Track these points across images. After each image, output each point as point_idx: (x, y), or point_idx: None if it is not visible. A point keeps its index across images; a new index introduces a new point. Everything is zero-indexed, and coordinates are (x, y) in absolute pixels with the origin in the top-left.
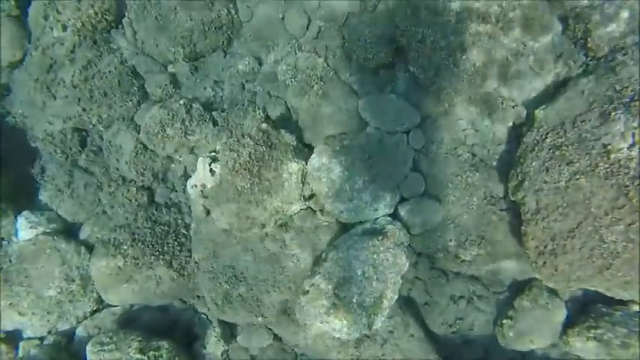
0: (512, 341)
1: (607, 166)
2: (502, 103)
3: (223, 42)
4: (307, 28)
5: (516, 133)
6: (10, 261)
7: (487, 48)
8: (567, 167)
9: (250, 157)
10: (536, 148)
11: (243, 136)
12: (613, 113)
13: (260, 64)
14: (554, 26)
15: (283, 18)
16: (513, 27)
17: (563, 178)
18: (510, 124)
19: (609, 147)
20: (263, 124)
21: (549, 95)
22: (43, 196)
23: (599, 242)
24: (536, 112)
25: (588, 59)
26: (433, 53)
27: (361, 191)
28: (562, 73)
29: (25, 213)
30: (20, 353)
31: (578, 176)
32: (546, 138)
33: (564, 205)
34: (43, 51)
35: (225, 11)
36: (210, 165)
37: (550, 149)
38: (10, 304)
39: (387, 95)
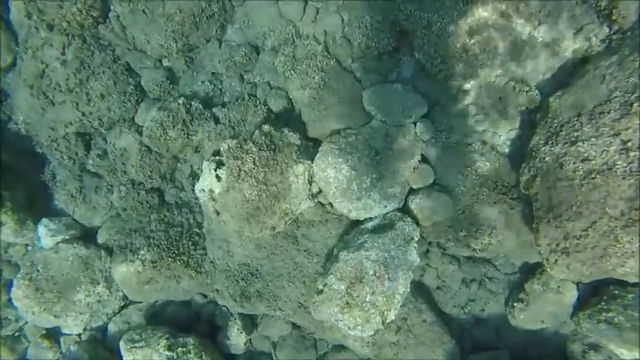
0: (524, 322)
1: (625, 164)
2: (515, 88)
3: (217, 30)
4: (304, 11)
5: (530, 119)
6: (38, 270)
7: (499, 27)
8: (583, 164)
9: (255, 164)
10: (550, 142)
11: (245, 141)
12: (636, 104)
13: (257, 52)
14: None
15: (278, 1)
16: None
17: (578, 175)
18: (523, 109)
19: (629, 144)
20: (265, 126)
21: (567, 74)
22: (58, 202)
23: (614, 242)
24: (551, 100)
25: (612, 32)
26: (439, 40)
27: (369, 189)
28: (581, 50)
29: (44, 221)
30: (62, 348)
31: (594, 175)
32: (561, 131)
33: (578, 203)
34: (33, 54)
35: None
36: (215, 170)
37: (565, 143)
38: (45, 309)
39: (391, 85)
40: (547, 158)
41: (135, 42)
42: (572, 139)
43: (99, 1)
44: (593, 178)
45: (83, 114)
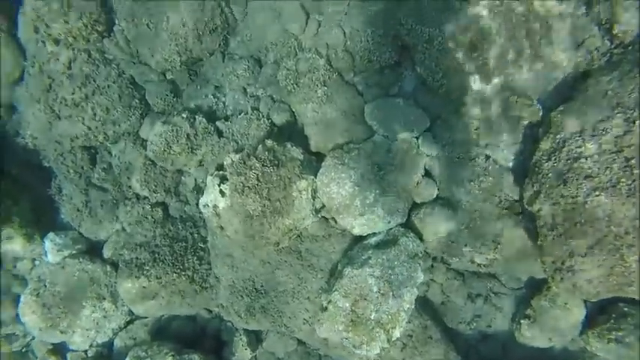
0: (531, 339)
1: (630, 182)
2: (516, 102)
3: (220, 44)
4: (306, 24)
5: (532, 133)
6: (45, 285)
7: (499, 43)
8: (586, 181)
9: (258, 180)
10: (553, 158)
11: (249, 157)
12: (638, 122)
13: (260, 65)
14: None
15: (280, 14)
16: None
17: (582, 193)
18: (526, 123)
19: (632, 161)
20: (268, 142)
21: (569, 88)
22: (64, 215)
23: (620, 261)
24: (553, 115)
25: (613, 46)
26: (441, 55)
27: (372, 205)
28: (583, 64)
29: (50, 235)
30: None
31: (598, 193)
32: (564, 146)
33: (582, 221)
34: (40, 68)
35: (219, 11)
36: (219, 185)
37: (568, 160)
38: (51, 325)
39: (393, 100)
40: (550, 174)
41: (139, 56)
42: (575, 155)
43: (104, 15)
44: (597, 196)
45: (89, 128)
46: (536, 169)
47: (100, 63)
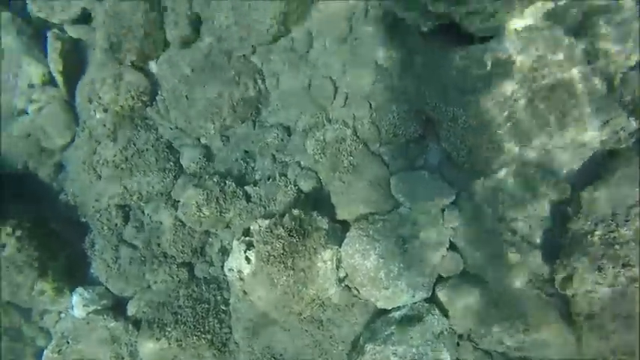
0: None
1: None
2: (543, 178)
3: (252, 113)
4: (334, 97)
5: (560, 210)
6: (68, 342)
7: (526, 119)
8: (624, 270)
9: (284, 249)
10: (585, 241)
11: (276, 225)
12: None
13: (289, 133)
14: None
15: (310, 85)
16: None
17: (621, 282)
18: (554, 198)
19: None
20: (295, 211)
21: (597, 165)
22: (94, 270)
23: None
24: (583, 194)
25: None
26: (465, 133)
27: (397, 278)
28: (610, 143)
29: (79, 290)
30: None
31: (638, 284)
32: (596, 229)
33: (624, 315)
34: (89, 133)
35: (252, 83)
36: (245, 252)
37: (602, 244)
38: None
39: (418, 172)
40: (583, 258)
41: (177, 122)
42: (610, 240)
43: (149, 87)
44: (637, 287)
45: (125, 188)
46: (568, 250)
47: (141, 128)
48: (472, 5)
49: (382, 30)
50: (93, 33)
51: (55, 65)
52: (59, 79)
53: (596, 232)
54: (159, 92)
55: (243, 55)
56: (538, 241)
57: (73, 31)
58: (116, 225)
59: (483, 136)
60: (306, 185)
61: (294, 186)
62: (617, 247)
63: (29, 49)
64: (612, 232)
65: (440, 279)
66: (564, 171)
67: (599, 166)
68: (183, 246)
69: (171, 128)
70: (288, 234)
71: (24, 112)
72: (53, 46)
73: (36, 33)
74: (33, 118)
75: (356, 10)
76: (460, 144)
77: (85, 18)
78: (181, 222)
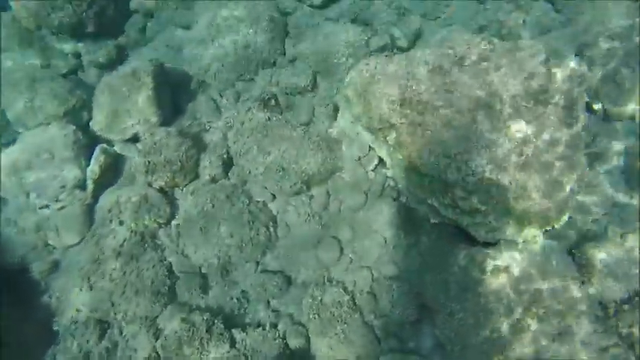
0: None
1: None
2: None
3: (258, 255)
4: (339, 259)
5: None
6: None
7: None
8: None
9: None
10: None
11: None
12: None
13: (289, 283)
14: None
15: (318, 242)
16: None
17: None
18: None
19: None
20: None
21: None
22: None
23: None
24: None
25: None
26: (461, 329)
27: None
28: None
29: None
30: None
31: None
32: None
33: None
34: (97, 242)
35: (264, 229)
36: None
37: None
38: None
39: (409, 357)
40: None
41: (184, 249)
42: None
43: (168, 210)
44: None
45: (112, 304)
46: None
47: (148, 247)
48: (478, 218)
49: (394, 211)
50: (135, 152)
51: (92, 175)
52: (91, 186)
53: None
54: (175, 216)
55: (263, 201)
56: None
57: (120, 148)
58: (88, 342)
59: (478, 338)
60: (294, 342)
61: (282, 339)
62: None
63: (76, 158)
64: None
65: None
66: None
67: None
68: None
69: (176, 252)
70: None
71: (46, 206)
72: (98, 159)
73: (90, 142)
74: (52, 215)
75: (373, 187)
76: (455, 337)
77: (135, 139)
78: (157, 355)
